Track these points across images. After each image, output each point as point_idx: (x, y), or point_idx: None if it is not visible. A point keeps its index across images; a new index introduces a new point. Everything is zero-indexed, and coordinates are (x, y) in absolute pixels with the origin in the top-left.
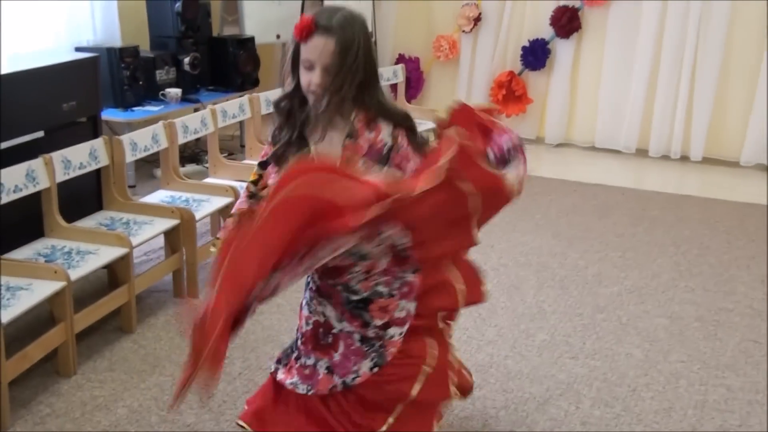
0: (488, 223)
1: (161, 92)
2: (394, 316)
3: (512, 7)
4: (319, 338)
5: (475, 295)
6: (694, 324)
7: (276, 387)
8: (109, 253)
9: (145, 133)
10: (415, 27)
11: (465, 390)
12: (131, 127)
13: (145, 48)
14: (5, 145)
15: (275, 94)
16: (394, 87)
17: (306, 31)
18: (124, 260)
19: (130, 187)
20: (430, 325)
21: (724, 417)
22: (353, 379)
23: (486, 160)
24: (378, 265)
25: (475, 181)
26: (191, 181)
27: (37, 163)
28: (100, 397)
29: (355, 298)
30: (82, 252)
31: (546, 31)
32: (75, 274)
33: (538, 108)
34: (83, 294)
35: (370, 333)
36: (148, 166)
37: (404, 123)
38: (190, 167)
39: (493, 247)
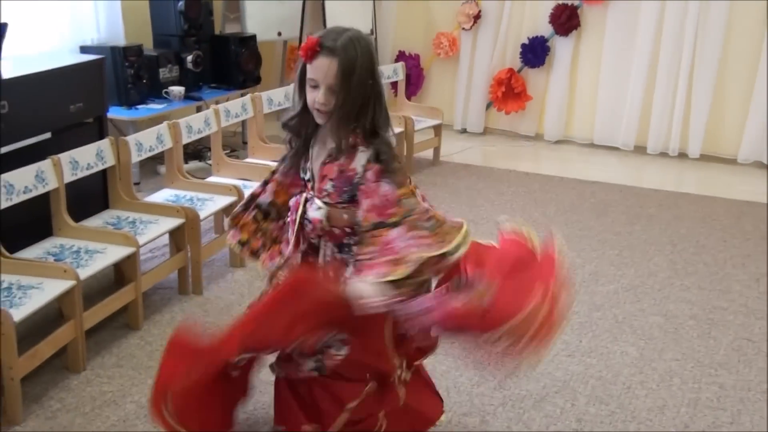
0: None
1: (164, 90)
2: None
3: (512, 4)
4: None
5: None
6: (689, 322)
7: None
8: (116, 252)
9: (150, 133)
10: (416, 24)
11: (430, 420)
12: (135, 125)
13: (148, 46)
14: (15, 146)
15: (277, 93)
16: (394, 85)
17: (311, 52)
18: (131, 259)
19: (134, 184)
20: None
21: (716, 414)
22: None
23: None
24: None
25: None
26: (195, 180)
27: (46, 164)
28: (108, 393)
29: None
30: (90, 251)
31: (545, 29)
32: (84, 273)
33: (537, 105)
34: (90, 291)
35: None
36: (152, 163)
37: (380, 157)
38: (193, 164)
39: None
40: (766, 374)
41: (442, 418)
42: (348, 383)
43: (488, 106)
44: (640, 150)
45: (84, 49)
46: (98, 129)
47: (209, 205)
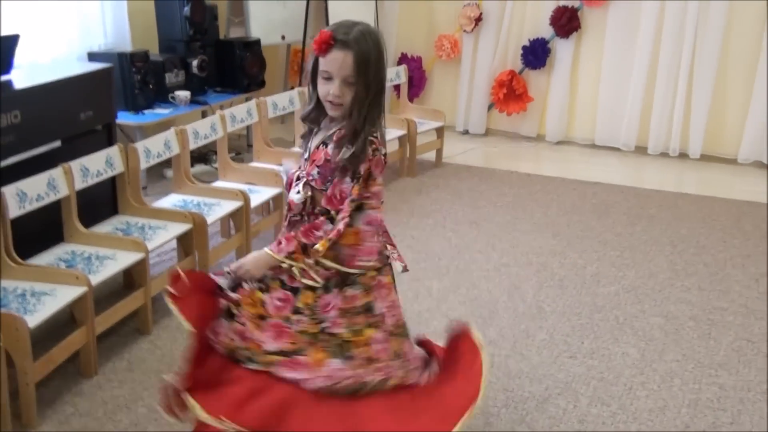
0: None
1: (171, 95)
2: None
3: (513, 7)
4: None
5: None
6: (689, 323)
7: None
8: (126, 258)
9: (157, 139)
10: (418, 27)
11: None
12: (142, 130)
13: (154, 51)
14: (27, 155)
15: (281, 97)
16: (397, 87)
17: (325, 45)
18: (141, 264)
19: (142, 188)
20: None
21: (717, 415)
22: None
23: None
24: None
25: None
26: (202, 185)
27: (57, 172)
28: (120, 397)
29: None
30: (101, 257)
31: (546, 31)
32: (95, 279)
33: (538, 106)
34: (99, 295)
35: None
36: (159, 167)
37: (356, 158)
38: (199, 167)
39: (494, 247)
40: (766, 374)
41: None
42: None
43: (490, 107)
44: (640, 150)
45: (92, 56)
46: (107, 136)
47: (216, 209)
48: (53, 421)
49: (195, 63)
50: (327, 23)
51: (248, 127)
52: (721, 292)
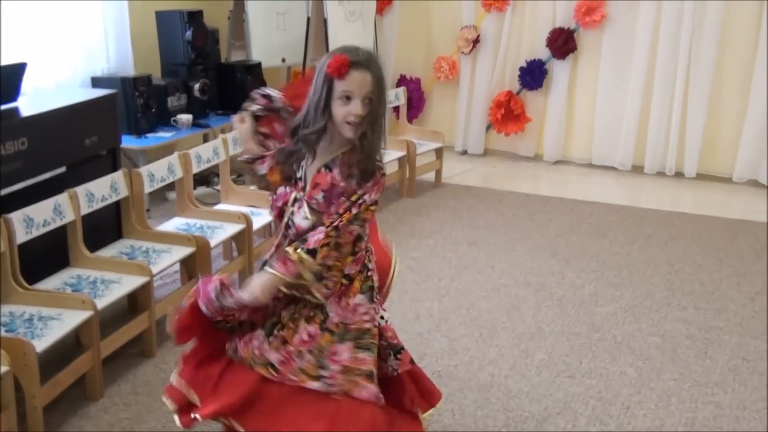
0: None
1: (173, 118)
2: None
3: (510, 29)
4: None
5: None
6: (686, 342)
7: None
8: (131, 282)
9: (161, 164)
10: (416, 49)
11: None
12: (145, 153)
13: (156, 75)
14: (33, 181)
15: None
16: (396, 109)
17: (345, 68)
18: (145, 288)
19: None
20: None
21: None
22: None
23: None
24: None
25: None
26: (205, 208)
27: (63, 198)
28: (126, 420)
29: None
30: (106, 281)
31: (543, 52)
32: (101, 303)
33: (536, 126)
34: (104, 318)
35: None
36: (161, 189)
37: (361, 182)
38: (201, 189)
39: (493, 268)
40: (766, 392)
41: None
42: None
43: (488, 128)
44: (637, 170)
45: (95, 81)
46: (111, 160)
47: (219, 232)
48: None
49: (197, 86)
50: (327, 45)
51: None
52: (717, 311)
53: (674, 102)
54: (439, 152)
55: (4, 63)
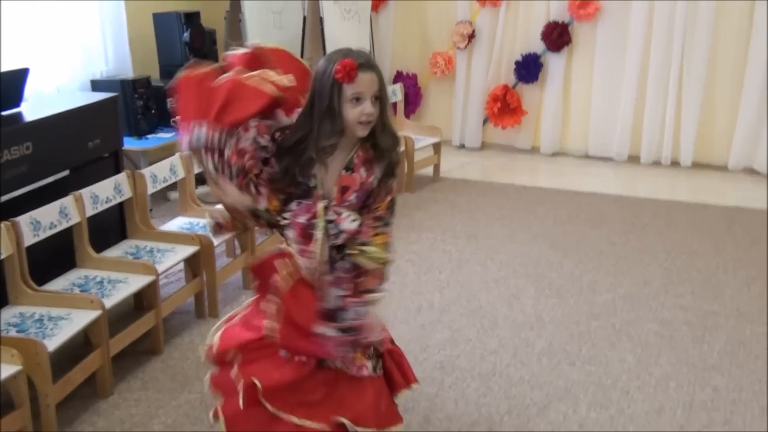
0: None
1: (172, 119)
2: None
3: (504, 23)
4: None
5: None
6: (683, 328)
7: None
8: (137, 281)
9: (163, 165)
10: (412, 45)
11: None
12: (146, 154)
13: (155, 76)
14: (38, 184)
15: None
16: (393, 105)
17: (354, 71)
18: (151, 287)
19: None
20: None
21: (711, 416)
22: None
23: None
24: None
25: None
26: (208, 207)
27: (68, 200)
28: (136, 415)
29: None
30: (113, 281)
31: (538, 46)
32: (109, 303)
33: (532, 119)
34: (111, 317)
35: None
36: (163, 190)
37: (393, 172)
38: (202, 188)
39: (492, 259)
40: (766, 375)
41: None
42: None
43: (485, 121)
44: (633, 160)
45: (95, 83)
46: (114, 162)
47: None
48: None
49: None
50: (323, 43)
51: None
52: (713, 297)
53: (669, 92)
54: (436, 147)
55: (5, 69)
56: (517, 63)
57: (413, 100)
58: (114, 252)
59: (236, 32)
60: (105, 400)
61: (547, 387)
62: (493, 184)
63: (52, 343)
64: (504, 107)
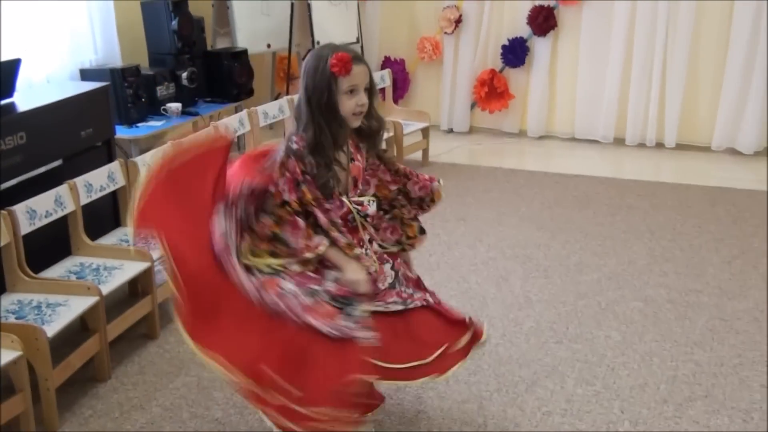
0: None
1: (162, 107)
2: None
3: (491, 8)
4: None
5: None
6: (667, 306)
7: None
8: (133, 268)
9: (155, 153)
10: (399, 30)
11: None
12: (137, 142)
13: (144, 65)
14: (32, 174)
15: (272, 106)
16: (382, 91)
17: (350, 65)
18: (147, 273)
19: None
20: None
21: (692, 389)
22: None
23: None
24: None
25: None
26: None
27: (63, 189)
28: (134, 398)
29: None
30: (108, 267)
31: (524, 30)
32: (106, 289)
33: (519, 103)
34: (106, 303)
35: None
36: None
37: (381, 152)
38: None
39: (481, 241)
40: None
41: None
42: None
43: (473, 106)
44: (619, 142)
45: (84, 73)
46: (107, 151)
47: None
48: (73, 423)
49: (185, 75)
50: (311, 29)
51: (239, 136)
52: (696, 275)
53: (653, 75)
54: (425, 131)
55: None
56: (503, 47)
57: (401, 85)
58: (108, 239)
59: (224, 20)
60: (103, 384)
61: (534, 365)
62: (481, 168)
63: (51, 329)
64: (491, 91)
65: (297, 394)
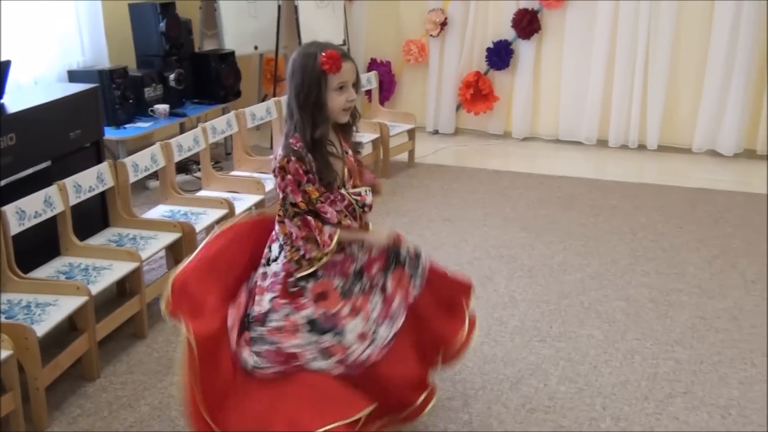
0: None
1: (150, 108)
2: None
3: (476, 11)
4: None
5: None
6: (648, 305)
7: None
8: (121, 268)
9: (144, 154)
10: (385, 32)
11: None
12: (125, 144)
13: (131, 66)
14: (21, 175)
15: (259, 108)
16: (368, 93)
17: (340, 62)
18: (135, 273)
19: None
20: None
21: (672, 386)
22: None
23: None
24: None
25: None
26: (188, 195)
27: (52, 190)
28: (123, 397)
29: None
30: (97, 267)
31: (508, 33)
32: (95, 289)
33: (504, 105)
34: (95, 303)
35: None
36: (142, 178)
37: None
38: (180, 177)
39: (467, 242)
40: (725, 346)
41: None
42: None
43: (458, 107)
44: (602, 143)
45: (72, 74)
46: (95, 152)
47: (203, 218)
48: (62, 422)
49: (172, 77)
50: (298, 31)
51: (226, 138)
52: (677, 275)
53: (635, 77)
54: (411, 133)
55: None
56: (488, 50)
57: (387, 87)
58: (97, 240)
59: (211, 21)
60: (92, 384)
61: (519, 363)
62: (466, 169)
63: (41, 329)
64: (476, 93)
65: None
